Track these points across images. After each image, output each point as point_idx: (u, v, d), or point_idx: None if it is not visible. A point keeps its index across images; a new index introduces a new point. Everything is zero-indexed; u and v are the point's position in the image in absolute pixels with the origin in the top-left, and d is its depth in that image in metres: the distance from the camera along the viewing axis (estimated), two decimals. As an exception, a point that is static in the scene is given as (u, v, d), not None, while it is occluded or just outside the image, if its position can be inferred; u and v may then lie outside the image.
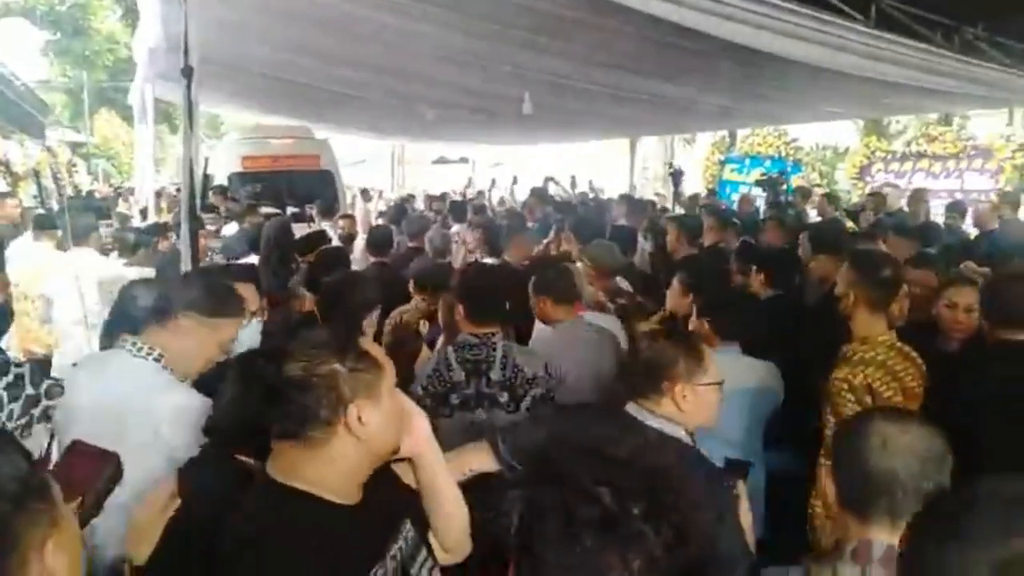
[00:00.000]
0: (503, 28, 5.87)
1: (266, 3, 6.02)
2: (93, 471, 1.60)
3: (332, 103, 10.30)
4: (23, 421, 2.01)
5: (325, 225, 8.06)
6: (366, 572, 1.47)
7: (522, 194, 12.05)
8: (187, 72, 3.92)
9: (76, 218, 5.47)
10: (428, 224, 7.10)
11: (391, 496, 1.62)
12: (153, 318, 2.32)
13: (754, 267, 4.29)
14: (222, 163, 11.12)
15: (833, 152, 18.51)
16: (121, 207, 12.02)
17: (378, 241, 5.72)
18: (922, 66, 5.69)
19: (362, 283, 3.29)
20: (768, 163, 14.74)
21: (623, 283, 4.56)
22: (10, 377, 2.01)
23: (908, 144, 16.30)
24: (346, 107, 10.69)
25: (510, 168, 20.35)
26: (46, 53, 28.40)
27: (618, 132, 14.43)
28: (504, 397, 3.00)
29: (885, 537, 1.53)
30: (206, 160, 7.60)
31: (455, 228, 7.75)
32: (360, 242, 7.33)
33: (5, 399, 2.00)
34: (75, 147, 20.16)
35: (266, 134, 11.73)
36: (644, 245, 6.84)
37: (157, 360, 2.28)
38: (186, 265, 3.97)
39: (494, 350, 3.07)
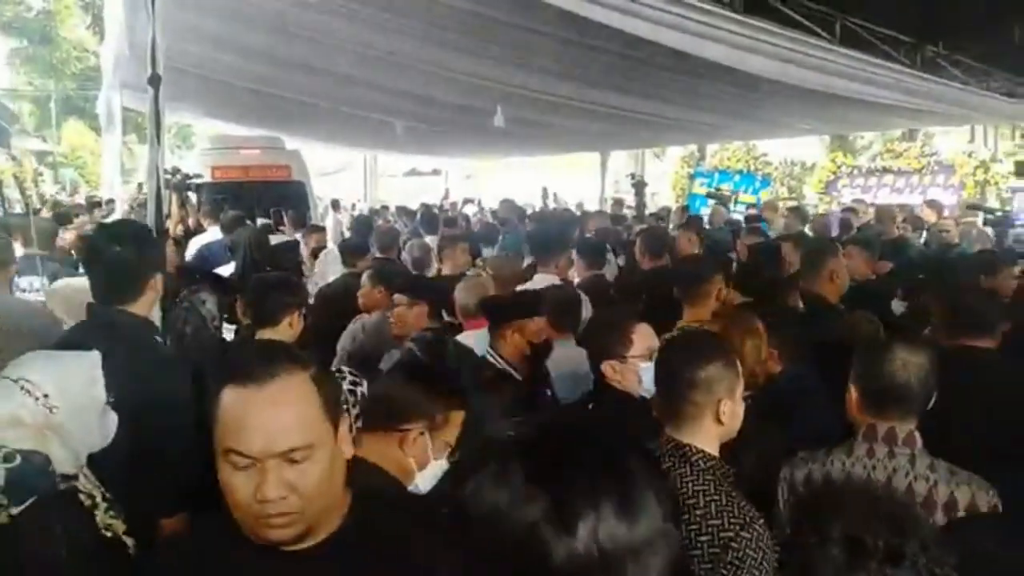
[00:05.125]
0: (476, 42, 5.89)
1: (235, 12, 5.98)
2: None
3: (303, 114, 10.23)
4: None
5: (296, 236, 7.99)
6: None
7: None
8: (154, 81, 3.84)
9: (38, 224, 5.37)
10: (397, 236, 7.08)
11: None
12: None
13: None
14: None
15: (800, 167, 18.83)
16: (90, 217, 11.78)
17: (352, 249, 5.77)
18: (885, 83, 5.81)
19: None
20: (737, 177, 14.91)
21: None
22: None
23: (873, 159, 16.63)
24: (317, 118, 10.63)
25: (482, 181, 20.32)
26: (12, 61, 27.94)
27: (589, 146, 14.53)
28: None
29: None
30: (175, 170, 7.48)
31: (427, 239, 7.74)
32: (330, 254, 7.27)
33: None
34: (41, 156, 19.83)
35: (237, 144, 11.56)
36: (614, 259, 6.89)
37: None
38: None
39: None
